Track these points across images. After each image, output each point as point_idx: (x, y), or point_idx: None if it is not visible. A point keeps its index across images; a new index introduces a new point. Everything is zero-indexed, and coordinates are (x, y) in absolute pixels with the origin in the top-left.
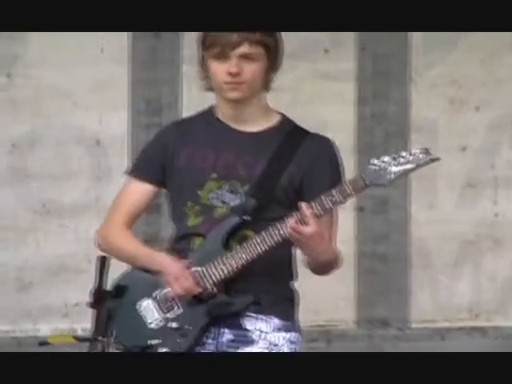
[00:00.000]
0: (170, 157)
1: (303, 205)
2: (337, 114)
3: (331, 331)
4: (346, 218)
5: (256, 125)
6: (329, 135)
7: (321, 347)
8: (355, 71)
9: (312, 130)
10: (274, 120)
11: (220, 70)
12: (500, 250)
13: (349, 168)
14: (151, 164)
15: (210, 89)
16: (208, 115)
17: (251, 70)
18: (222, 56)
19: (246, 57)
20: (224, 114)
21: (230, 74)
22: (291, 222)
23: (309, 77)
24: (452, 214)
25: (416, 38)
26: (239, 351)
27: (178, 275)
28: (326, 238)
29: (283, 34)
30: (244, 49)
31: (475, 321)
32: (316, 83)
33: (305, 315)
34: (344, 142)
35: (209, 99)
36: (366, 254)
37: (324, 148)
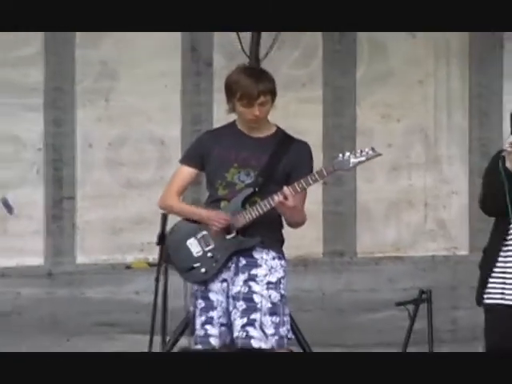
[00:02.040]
0: (206, 152)
1: (285, 188)
2: (310, 125)
3: (307, 259)
4: (316, 188)
5: (261, 133)
6: (305, 139)
7: (300, 270)
8: (321, 98)
9: (295, 136)
10: (272, 130)
11: (246, 112)
12: (412, 208)
13: (318, 160)
14: (194, 156)
15: (232, 112)
16: (232, 126)
17: (265, 110)
18: (249, 105)
19: (262, 104)
20: (242, 126)
21: (254, 115)
22: (277, 198)
23: (293, 101)
24: (383, 186)
25: (360, 73)
26: (251, 272)
27: (215, 219)
28: (299, 209)
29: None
30: (261, 100)
31: (397, 252)
32: (297, 105)
33: (291, 250)
34: (315, 143)
35: (230, 117)
36: (329, 211)
37: (305, 148)
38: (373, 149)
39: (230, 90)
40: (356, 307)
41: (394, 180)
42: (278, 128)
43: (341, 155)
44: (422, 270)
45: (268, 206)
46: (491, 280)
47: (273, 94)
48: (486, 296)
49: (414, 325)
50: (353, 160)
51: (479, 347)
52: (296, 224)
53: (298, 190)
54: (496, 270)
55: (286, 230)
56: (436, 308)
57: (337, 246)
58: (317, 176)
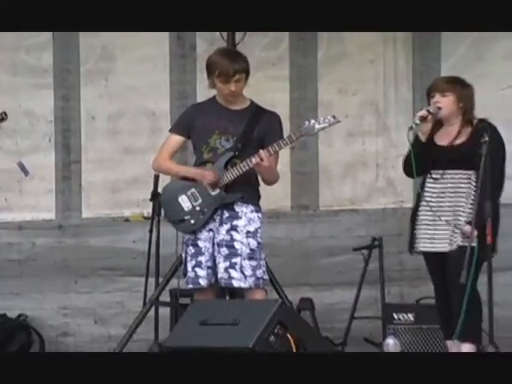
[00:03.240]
0: (192, 122)
1: (261, 151)
2: (279, 99)
3: (278, 212)
4: (286, 152)
5: (238, 106)
6: (276, 110)
7: (272, 221)
8: (288, 76)
9: (267, 108)
10: (247, 103)
11: (224, 88)
12: (366, 168)
13: (286, 127)
14: (182, 126)
15: (213, 88)
16: (212, 100)
17: (240, 86)
18: (226, 82)
19: (237, 81)
20: (221, 100)
21: (230, 91)
22: (254, 160)
23: (264, 79)
24: (341, 150)
25: (320, 55)
26: (233, 223)
27: (207, 174)
28: (273, 169)
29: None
30: (237, 77)
31: (353, 206)
32: (268, 82)
33: (264, 204)
34: (284, 114)
35: (211, 92)
36: (296, 172)
37: (275, 118)
38: (334, 116)
39: (210, 68)
40: (319, 252)
41: (350, 145)
42: (252, 102)
43: (307, 122)
44: (375, 221)
45: (247, 166)
46: (416, 232)
47: (246, 72)
48: (414, 246)
49: (368, 266)
50: (317, 126)
51: (421, 285)
52: (270, 182)
53: (272, 152)
54: (418, 223)
55: (261, 188)
56: (386, 252)
57: (302, 200)
58: (287, 140)
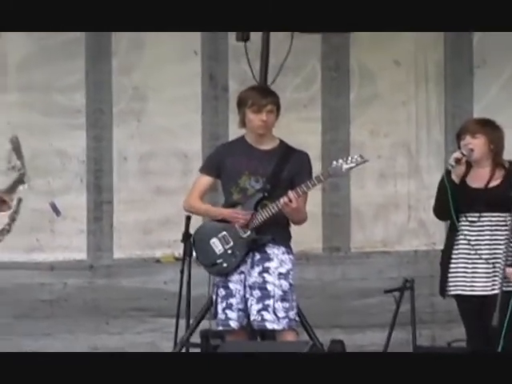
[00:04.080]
0: (221, 162)
1: (289, 192)
2: (310, 140)
3: (309, 254)
4: (318, 194)
5: (267, 145)
6: (308, 152)
7: (303, 262)
8: (320, 117)
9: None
10: (276, 142)
11: (256, 118)
12: (397, 210)
13: (317, 169)
14: (211, 166)
15: (243, 126)
16: (242, 140)
17: (272, 118)
18: (258, 111)
19: (269, 111)
20: (251, 139)
21: (262, 121)
22: (282, 201)
23: (295, 120)
24: (372, 191)
25: (352, 96)
26: (265, 265)
27: (238, 215)
28: (301, 209)
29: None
30: (269, 107)
31: (385, 247)
32: (299, 124)
33: (295, 245)
34: (315, 155)
35: (241, 131)
36: (327, 213)
37: (304, 157)
38: (361, 156)
39: (242, 101)
40: (350, 294)
41: (382, 186)
42: (281, 141)
43: (335, 162)
44: (406, 263)
45: (276, 208)
46: (449, 275)
47: (278, 106)
48: (447, 289)
49: (400, 309)
50: (345, 166)
51: (453, 328)
52: (298, 222)
53: (300, 193)
54: (451, 266)
55: (292, 229)
56: (417, 294)
57: (334, 242)
58: (315, 181)
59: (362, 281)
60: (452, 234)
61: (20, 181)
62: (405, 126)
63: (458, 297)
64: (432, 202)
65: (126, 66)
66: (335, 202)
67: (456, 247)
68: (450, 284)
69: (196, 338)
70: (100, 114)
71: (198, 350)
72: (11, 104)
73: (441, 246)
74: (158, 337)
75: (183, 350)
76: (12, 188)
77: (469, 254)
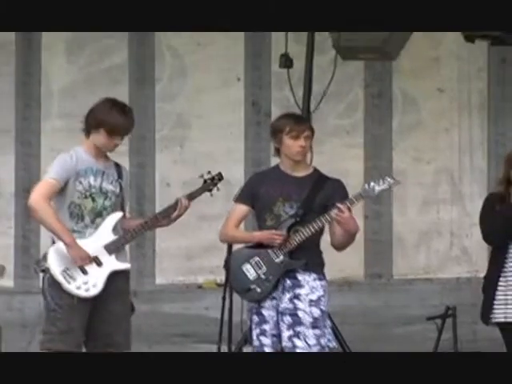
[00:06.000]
0: (256, 191)
1: (337, 204)
2: (353, 167)
3: (351, 281)
4: (360, 221)
5: (301, 173)
6: (348, 179)
7: (345, 289)
8: (363, 144)
9: (339, 177)
10: (310, 170)
11: (294, 144)
12: (440, 237)
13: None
14: (246, 196)
15: (277, 154)
16: (276, 168)
17: (308, 144)
18: (296, 137)
19: (306, 137)
20: (286, 167)
21: (301, 146)
22: (332, 213)
23: (338, 146)
24: (415, 218)
25: (395, 123)
26: (295, 292)
27: (274, 236)
28: (354, 218)
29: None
30: (306, 133)
31: (427, 275)
32: (342, 150)
33: (336, 273)
34: (357, 182)
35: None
36: (369, 240)
37: (339, 184)
38: (393, 177)
39: (278, 128)
40: (392, 321)
41: (425, 213)
42: (315, 169)
43: (366, 185)
44: (449, 290)
45: (309, 231)
46: (495, 302)
47: (313, 132)
48: (492, 316)
49: (442, 336)
50: (377, 188)
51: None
52: (350, 236)
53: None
54: (498, 293)
55: (334, 256)
56: (460, 322)
57: (376, 269)
58: (347, 203)
59: (404, 308)
60: (497, 260)
61: None
62: (448, 153)
63: (501, 324)
64: (475, 228)
65: (169, 92)
66: (377, 229)
67: (503, 274)
68: (496, 311)
69: None
70: (143, 141)
71: None
72: (55, 130)
73: (483, 273)
74: None
75: None
76: None
77: None
